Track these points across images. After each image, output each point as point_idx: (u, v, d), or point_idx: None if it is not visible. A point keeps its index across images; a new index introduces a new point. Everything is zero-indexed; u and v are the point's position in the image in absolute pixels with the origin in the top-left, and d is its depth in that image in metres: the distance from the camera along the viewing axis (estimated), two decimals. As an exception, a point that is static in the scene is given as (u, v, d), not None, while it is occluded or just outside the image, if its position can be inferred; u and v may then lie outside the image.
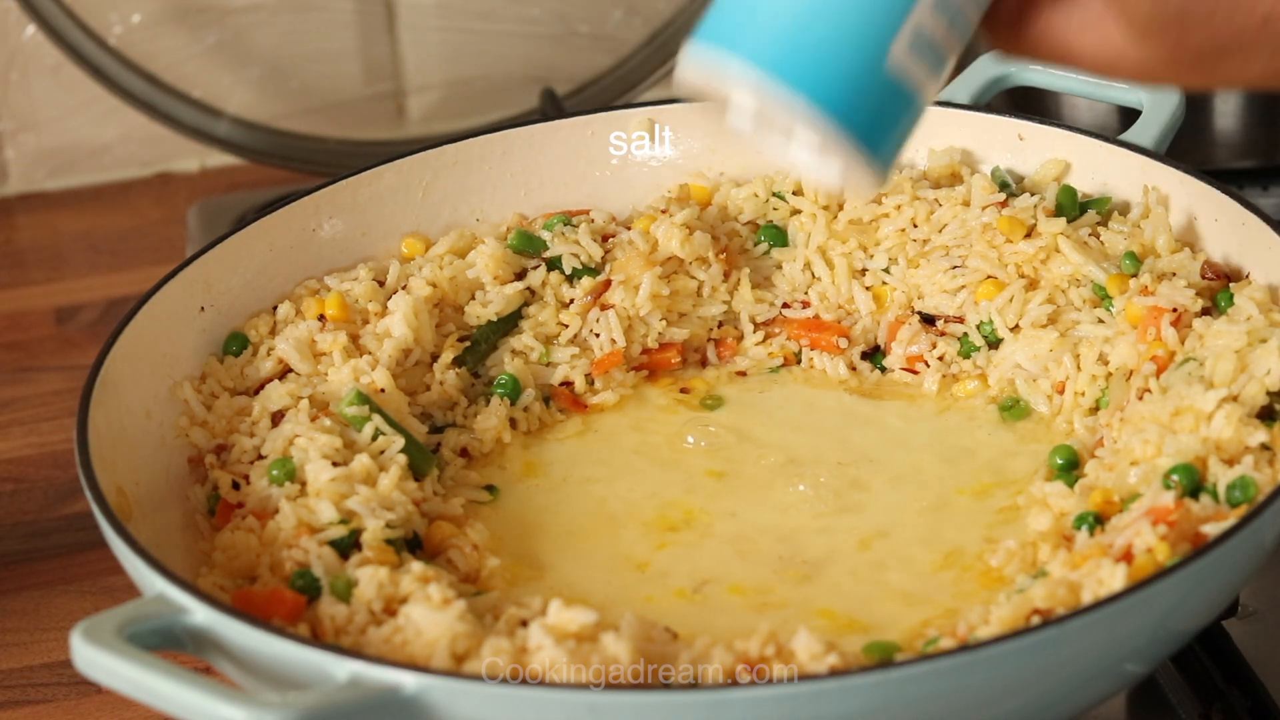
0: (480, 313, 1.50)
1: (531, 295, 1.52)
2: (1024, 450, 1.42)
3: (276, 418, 1.40)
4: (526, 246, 1.53)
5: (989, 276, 1.48)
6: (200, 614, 1.17)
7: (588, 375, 1.50)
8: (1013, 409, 1.45)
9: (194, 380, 1.43)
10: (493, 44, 2.09)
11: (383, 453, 1.37)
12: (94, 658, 1.13)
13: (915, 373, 1.49)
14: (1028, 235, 1.48)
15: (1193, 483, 1.26)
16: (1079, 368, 1.43)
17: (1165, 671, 1.37)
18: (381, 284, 1.50)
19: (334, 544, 1.28)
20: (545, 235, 1.53)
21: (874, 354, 1.52)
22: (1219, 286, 1.42)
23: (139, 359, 1.40)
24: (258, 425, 1.40)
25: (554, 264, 1.53)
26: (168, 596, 1.18)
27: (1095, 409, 1.41)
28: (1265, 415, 1.31)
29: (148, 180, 2.09)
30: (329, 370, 1.44)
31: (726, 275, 1.53)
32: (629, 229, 1.54)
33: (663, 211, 1.55)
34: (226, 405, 1.42)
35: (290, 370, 1.45)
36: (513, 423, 1.48)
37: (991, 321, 1.47)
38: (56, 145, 2.06)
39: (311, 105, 2.07)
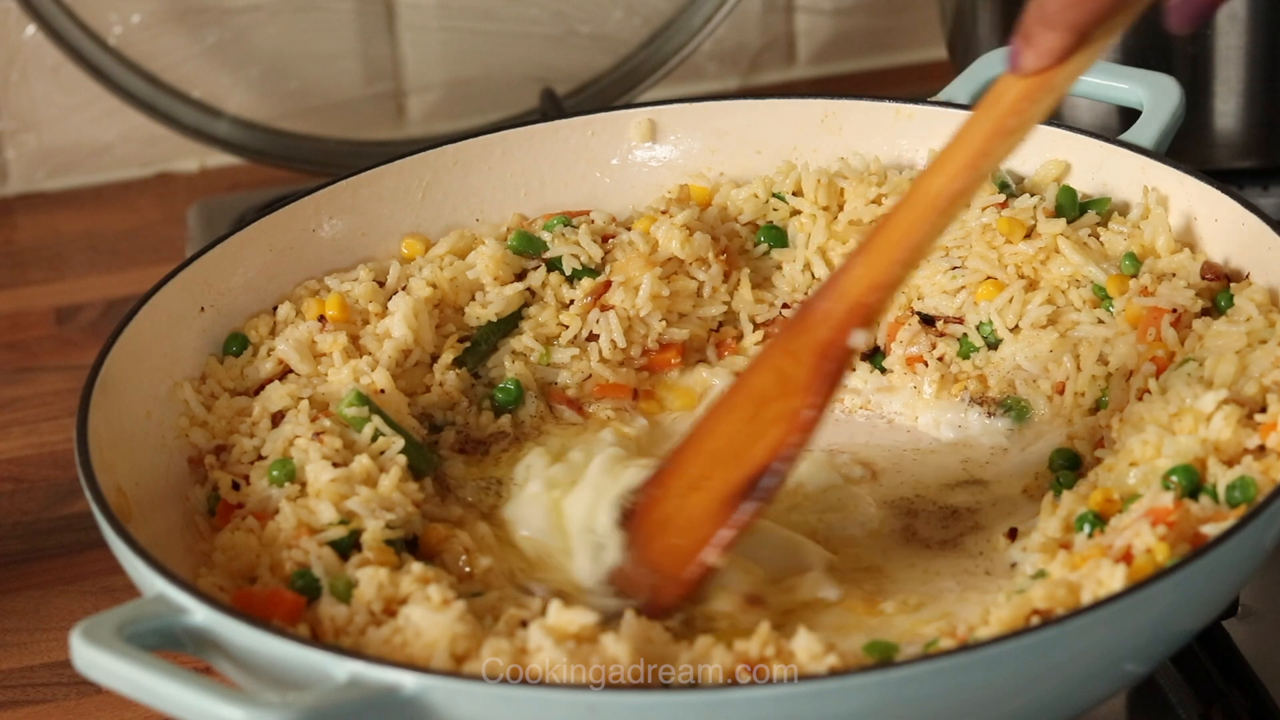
0: (480, 313, 1.50)
1: (531, 296, 1.52)
2: (1024, 450, 1.42)
3: (276, 418, 1.40)
4: (526, 247, 1.53)
5: (989, 277, 1.47)
6: (200, 614, 1.17)
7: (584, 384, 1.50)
8: (1013, 409, 1.45)
9: (194, 381, 1.43)
10: (493, 44, 2.09)
11: (382, 453, 1.37)
12: (94, 658, 1.13)
13: (915, 373, 1.49)
14: (1027, 236, 1.48)
15: (1192, 483, 1.26)
16: (1079, 368, 1.43)
17: (1165, 671, 1.37)
18: (381, 285, 1.50)
19: (334, 545, 1.28)
20: (545, 236, 1.53)
21: (874, 354, 1.52)
22: (1219, 287, 1.42)
23: (139, 359, 1.40)
24: (258, 426, 1.40)
25: (554, 265, 1.52)
26: (167, 597, 1.18)
27: (1095, 409, 1.41)
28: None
29: (148, 180, 2.09)
30: (329, 371, 1.43)
31: (726, 276, 1.53)
32: (629, 230, 1.54)
33: (663, 212, 1.55)
34: (226, 406, 1.42)
35: (290, 371, 1.45)
36: (516, 425, 1.48)
37: (991, 322, 1.47)
38: (56, 145, 2.06)
39: (311, 105, 2.07)
